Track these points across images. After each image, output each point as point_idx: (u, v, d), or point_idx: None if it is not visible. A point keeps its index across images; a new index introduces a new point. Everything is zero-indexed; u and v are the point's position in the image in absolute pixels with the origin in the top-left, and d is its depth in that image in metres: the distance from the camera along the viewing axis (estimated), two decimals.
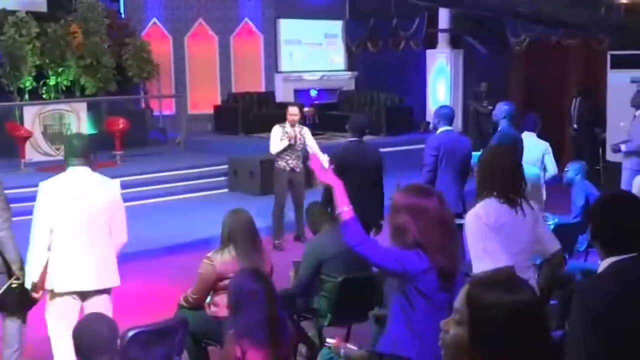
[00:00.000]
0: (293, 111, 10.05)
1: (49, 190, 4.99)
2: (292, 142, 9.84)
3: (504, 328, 2.01)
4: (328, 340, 4.36)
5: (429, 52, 18.11)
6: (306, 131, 10.13)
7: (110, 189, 5.21)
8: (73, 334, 3.51)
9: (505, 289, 2.05)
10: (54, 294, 5.06)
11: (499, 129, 8.00)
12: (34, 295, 5.10)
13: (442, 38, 17.89)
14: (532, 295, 2.08)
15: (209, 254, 5.31)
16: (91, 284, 5.09)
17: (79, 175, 5.09)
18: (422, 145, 8.09)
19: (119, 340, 3.66)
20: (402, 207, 3.54)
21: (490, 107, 13.60)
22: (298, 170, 10.01)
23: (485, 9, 12.03)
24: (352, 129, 7.81)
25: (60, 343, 5.05)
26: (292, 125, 9.92)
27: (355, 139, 7.76)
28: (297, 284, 5.91)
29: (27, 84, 15.38)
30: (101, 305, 5.05)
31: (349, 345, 4.21)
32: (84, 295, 5.09)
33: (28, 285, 5.05)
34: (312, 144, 10.04)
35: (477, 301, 2.03)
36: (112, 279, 5.22)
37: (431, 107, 16.63)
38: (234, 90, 19.05)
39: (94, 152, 5.38)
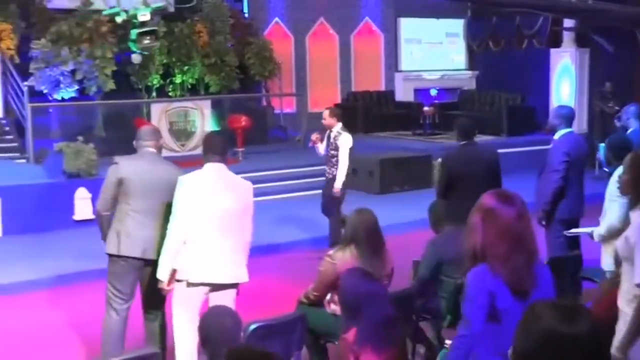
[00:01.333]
0: (323, 114, 9.56)
1: (188, 184, 5.13)
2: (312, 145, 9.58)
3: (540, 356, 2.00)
4: (447, 341, 4.31)
5: (553, 51, 17.65)
6: (341, 140, 9.27)
7: (244, 188, 5.33)
8: (200, 325, 3.60)
9: (561, 318, 2.03)
10: (184, 285, 5.16)
11: (629, 130, 7.73)
12: (164, 286, 5.21)
13: (567, 36, 17.41)
14: (587, 329, 2.03)
15: (331, 252, 5.34)
16: (223, 277, 5.20)
17: (216, 171, 5.22)
18: (545, 147, 7.88)
19: (242, 333, 3.73)
20: (480, 208, 3.46)
21: (617, 108, 13.15)
22: (329, 177, 9.54)
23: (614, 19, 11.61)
24: (459, 133, 7.65)
25: (183, 333, 5.18)
26: (328, 130, 9.48)
27: (465, 142, 7.58)
28: (416, 283, 5.88)
29: (155, 81, 15.91)
30: (226, 299, 5.16)
31: None
32: (212, 288, 5.20)
33: (161, 276, 5.17)
34: (341, 156, 9.25)
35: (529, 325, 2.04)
36: (242, 275, 5.32)
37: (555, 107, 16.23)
38: (353, 89, 19.12)
39: (228, 150, 5.52)
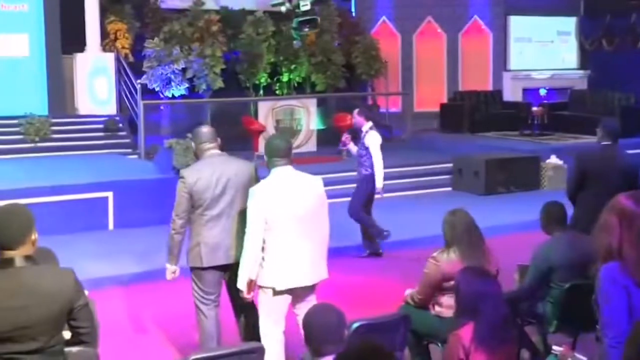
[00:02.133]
0: (353, 114, 9.69)
1: (259, 194, 5.09)
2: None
3: None
4: (554, 347, 4.21)
5: None
6: (369, 139, 9.29)
7: (315, 185, 5.29)
8: (305, 322, 3.61)
9: None
10: (270, 294, 5.18)
11: None
12: (245, 295, 5.24)
13: None
14: None
15: (435, 254, 5.29)
16: (307, 280, 5.22)
17: (285, 175, 5.20)
18: None
19: (345, 331, 3.73)
20: (617, 208, 3.40)
21: None
22: (359, 177, 9.53)
23: None
24: (607, 133, 7.24)
25: (271, 337, 5.21)
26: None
27: (608, 143, 7.22)
28: (523, 287, 5.75)
29: (262, 80, 16.14)
30: (309, 297, 5.19)
31: (577, 355, 4.05)
32: (294, 291, 5.22)
33: (241, 286, 5.17)
34: (374, 154, 9.25)
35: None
36: (323, 273, 5.34)
37: None
38: (460, 89, 18.89)
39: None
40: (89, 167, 12.21)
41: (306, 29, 11.90)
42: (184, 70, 14.90)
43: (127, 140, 14.51)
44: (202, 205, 5.43)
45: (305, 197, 5.17)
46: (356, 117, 9.56)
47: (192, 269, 5.60)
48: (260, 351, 4.16)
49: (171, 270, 5.66)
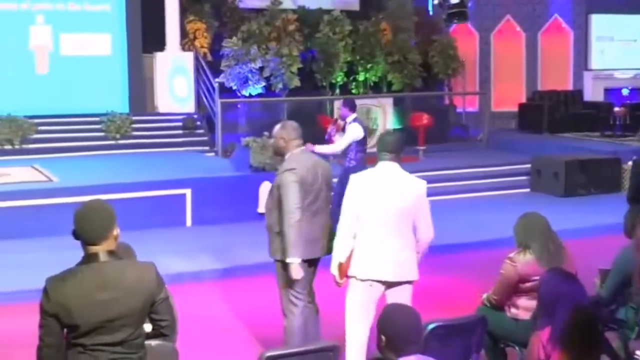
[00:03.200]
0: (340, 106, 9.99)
1: (359, 182, 5.19)
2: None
3: None
4: (637, 353, 4.11)
5: None
6: (349, 128, 9.62)
7: (417, 186, 5.28)
8: (381, 322, 3.60)
9: None
10: (354, 281, 5.22)
11: None
12: (338, 281, 5.30)
13: None
14: None
15: (511, 255, 5.22)
16: (390, 274, 5.20)
17: (388, 170, 5.22)
18: None
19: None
20: None
21: None
22: (342, 169, 9.70)
23: None
24: None
25: (353, 327, 5.23)
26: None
27: None
28: (604, 292, 5.63)
29: (339, 79, 16.16)
30: (403, 296, 5.15)
31: None
32: (387, 285, 5.21)
33: (332, 270, 5.25)
34: (343, 138, 9.61)
35: None
36: (411, 273, 5.30)
37: None
38: (539, 88, 18.58)
39: (404, 149, 5.47)
40: (168, 165, 12.42)
41: (455, 21, 11.84)
42: (261, 69, 15.02)
43: (205, 138, 14.72)
44: (305, 198, 5.47)
45: (403, 195, 5.17)
46: (341, 109, 9.82)
47: (281, 263, 5.57)
48: (336, 350, 4.16)
49: (297, 263, 5.44)
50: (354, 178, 5.24)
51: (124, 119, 14.50)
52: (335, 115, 14.35)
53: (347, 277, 5.29)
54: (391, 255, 5.17)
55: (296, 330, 5.60)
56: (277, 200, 5.51)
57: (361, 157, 9.57)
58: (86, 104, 14.68)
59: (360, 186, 5.16)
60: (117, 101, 15.13)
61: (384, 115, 15.40)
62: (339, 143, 9.56)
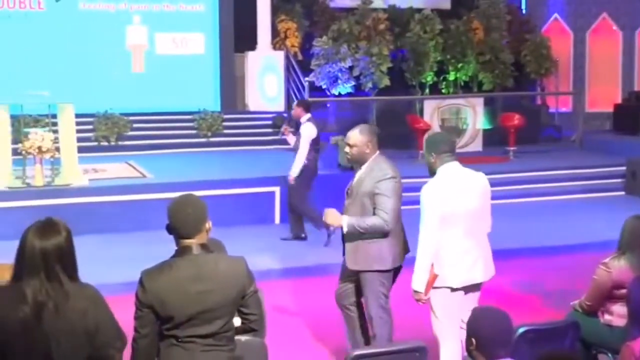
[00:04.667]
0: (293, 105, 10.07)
1: (435, 190, 5.03)
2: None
3: None
4: None
5: None
6: (303, 129, 9.73)
7: (481, 180, 5.19)
8: (472, 324, 3.55)
9: None
10: (446, 292, 5.10)
11: None
12: (421, 297, 5.16)
13: None
14: None
15: (606, 260, 5.08)
16: (480, 276, 5.14)
17: (453, 172, 5.12)
18: None
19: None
20: None
21: None
22: None
23: None
24: None
25: (448, 338, 5.14)
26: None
27: None
28: None
29: (428, 78, 16.06)
30: (475, 297, 5.11)
31: None
32: (466, 289, 5.14)
33: (417, 287, 5.07)
34: (301, 144, 9.70)
35: None
36: (493, 269, 5.25)
37: None
38: (636, 88, 18.05)
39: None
40: (258, 162, 12.58)
41: None
42: (350, 68, 15.05)
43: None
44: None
45: (474, 192, 5.10)
46: (295, 109, 9.85)
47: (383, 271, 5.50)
48: (423, 351, 4.15)
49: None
50: (429, 189, 5.12)
51: (215, 117, 14.75)
52: (434, 118, 14.33)
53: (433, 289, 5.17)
54: (478, 255, 5.11)
55: (387, 332, 5.58)
56: (368, 208, 5.35)
57: (314, 156, 9.74)
58: (179, 102, 15.00)
59: (439, 195, 5.02)
60: (209, 99, 15.42)
61: (474, 115, 15.22)
62: (302, 148, 9.62)
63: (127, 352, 3.53)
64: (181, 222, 3.50)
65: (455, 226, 5.02)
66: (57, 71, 14.24)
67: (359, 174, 5.45)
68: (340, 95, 15.19)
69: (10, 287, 3.24)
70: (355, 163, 5.49)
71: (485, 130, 15.26)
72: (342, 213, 5.44)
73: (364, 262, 5.44)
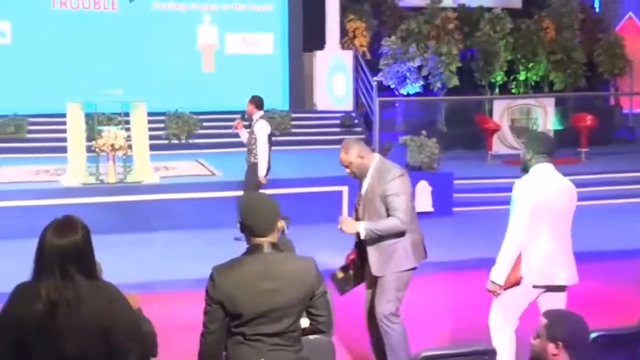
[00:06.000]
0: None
1: (527, 189, 5.01)
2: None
3: None
4: None
5: None
6: (257, 127, 9.64)
7: (570, 186, 5.14)
8: (555, 328, 3.49)
9: None
10: (524, 288, 5.06)
11: None
12: (496, 289, 5.10)
13: None
14: None
15: None
16: (561, 279, 5.08)
17: (547, 173, 5.07)
18: None
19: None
20: None
21: None
22: (248, 163, 9.76)
23: None
24: None
25: (501, 332, 5.11)
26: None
27: None
28: None
29: (498, 78, 15.87)
30: (559, 302, 5.02)
31: None
32: (544, 290, 5.08)
33: (497, 279, 5.07)
34: (259, 144, 9.60)
35: None
36: (575, 277, 5.17)
37: None
38: None
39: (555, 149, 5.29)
40: (325, 161, 12.59)
41: None
42: (419, 67, 14.98)
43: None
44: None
45: (564, 196, 5.07)
46: (248, 105, 9.82)
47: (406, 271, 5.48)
48: (492, 354, 4.11)
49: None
50: (521, 187, 5.06)
51: (283, 116, 14.84)
52: (504, 118, 14.19)
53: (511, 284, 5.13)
54: (559, 259, 5.06)
55: (400, 339, 5.52)
56: (382, 213, 5.29)
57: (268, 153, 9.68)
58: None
59: (530, 194, 5.00)
60: (277, 99, 15.51)
61: (545, 116, 15.01)
62: (262, 147, 9.57)
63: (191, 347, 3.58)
64: (253, 221, 3.53)
65: (543, 225, 5.01)
66: (129, 70, 14.53)
67: (367, 183, 5.40)
68: (408, 95, 15.12)
69: (27, 286, 3.26)
70: (361, 176, 5.42)
71: (556, 131, 15.00)
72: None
73: (395, 265, 5.36)
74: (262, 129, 9.58)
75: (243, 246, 3.66)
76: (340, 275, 5.60)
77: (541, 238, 5.02)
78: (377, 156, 5.46)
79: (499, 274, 5.07)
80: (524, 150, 5.18)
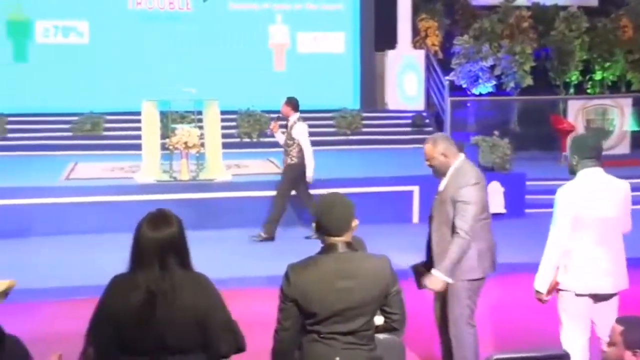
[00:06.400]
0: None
1: (569, 194, 4.91)
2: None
3: None
4: None
5: None
6: (296, 130, 9.63)
7: (622, 189, 4.99)
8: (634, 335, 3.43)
9: None
10: (570, 296, 4.97)
11: None
12: (542, 297, 5.05)
13: None
14: None
15: None
16: (609, 286, 4.95)
17: (593, 178, 4.93)
18: None
19: None
20: None
21: None
22: (284, 165, 9.83)
23: None
24: None
25: (574, 344, 4.99)
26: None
27: None
28: None
29: (573, 78, 15.61)
30: (611, 308, 4.92)
31: None
32: (596, 297, 4.97)
33: (540, 287, 4.97)
34: (304, 145, 9.64)
35: None
36: (624, 282, 5.04)
37: None
38: None
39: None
40: (396, 161, 12.58)
41: None
42: (492, 67, 14.83)
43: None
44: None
45: (612, 200, 4.93)
46: (283, 107, 9.75)
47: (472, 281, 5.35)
48: (567, 358, 4.03)
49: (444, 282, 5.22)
50: (559, 192, 4.96)
51: (354, 115, 14.85)
52: (578, 119, 13.93)
53: (557, 291, 5.04)
54: (606, 266, 4.93)
55: (468, 346, 5.42)
56: (451, 216, 5.20)
57: (302, 155, 9.61)
58: (319, 100, 15.17)
59: (572, 199, 4.89)
60: (348, 98, 15.54)
61: (622, 117, 14.67)
62: (307, 148, 9.60)
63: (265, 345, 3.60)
64: (329, 220, 3.54)
65: (587, 231, 4.88)
66: (202, 69, 14.72)
67: (445, 182, 5.32)
68: (480, 94, 14.98)
69: (126, 277, 3.35)
70: (440, 174, 5.35)
71: (633, 132, 14.69)
72: (429, 223, 5.45)
73: (464, 272, 5.25)
74: (302, 132, 9.61)
75: (314, 245, 3.67)
76: (420, 269, 5.58)
77: (584, 245, 4.88)
78: (461, 157, 5.34)
79: (540, 282, 4.98)
80: (570, 155, 5.05)
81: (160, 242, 3.31)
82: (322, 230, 3.57)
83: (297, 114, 9.79)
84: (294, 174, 9.65)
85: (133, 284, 3.29)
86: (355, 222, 3.61)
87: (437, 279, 5.20)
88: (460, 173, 5.25)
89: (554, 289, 5.02)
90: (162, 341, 3.27)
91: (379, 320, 3.68)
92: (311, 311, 3.48)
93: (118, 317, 3.29)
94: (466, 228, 5.10)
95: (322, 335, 3.50)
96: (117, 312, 3.29)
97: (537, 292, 5.02)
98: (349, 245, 3.57)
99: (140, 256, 3.32)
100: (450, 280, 5.17)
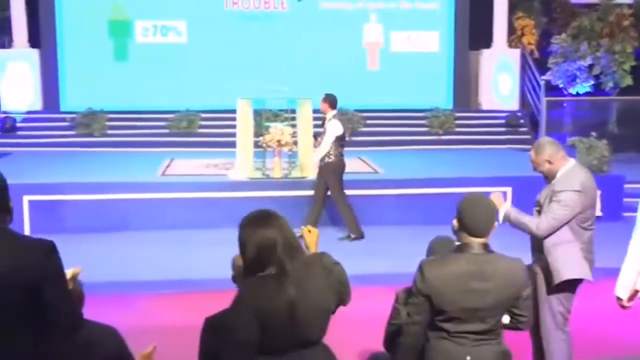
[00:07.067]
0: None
1: None
2: None
3: None
4: None
5: None
6: (329, 126, 9.52)
7: None
8: None
9: None
10: None
11: None
12: (624, 304, 4.89)
13: None
14: None
15: None
16: None
17: None
18: None
19: None
20: None
21: None
22: (321, 164, 9.58)
23: None
24: None
25: None
26: None
27: None
28: None
29: None
30: None
31: None
32: None
33: (622, 293, 4.80)
34: (324, 139, 9.52)
35: None
36: None
37: None
38: None
39: None
40: (489, 162, 12.42)
41: None
42: (590, 66, 14.48)
43: (528, 137, 14.49)
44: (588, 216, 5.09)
45: None
46: (321, 103, 9.64)
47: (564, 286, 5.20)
48: None
49: None
50: None
51: (447, 115, 14.74)
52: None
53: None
54: None
55: (560, 352, 5.30)
56: None
57: (340, 152, 9.48)
58: (412, 99, 15.14)
59: None
60: (441, 97, 15.43)
61: None
62: (324, 142, 9.43)
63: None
64: (472, 220, 3.58)
65: None
66: (296, 68, 14.87)
67: (548, 186, 5.16)
68: (578, 94, 14.64)
69: (262, 279, 3.19)
70: (549, 181, 5.18)
71: None
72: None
73: (556, 276, 5.07)
74: (333, 127, 9.55)
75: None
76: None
77: None
78: (571, 162, 5.16)
79: (619, 287, 4.83)
80: None
81: (272, 242, 3.17)
82: (463, 230, 3.61)
83: (335, 111, 9.77)
84: (337, 170, 9.58)
85: (272, 285, 3.15)
86: (495, 224, 3.63)
87: (501, 201, 5.09)
88: (565, 177, 5.07)
89: (635, 295, 4.88)
90: (306, 336, 3.17)
91: (505, 319, 3.69)
92: (442, 309, 3.52)
93: (261, 318, 3.13)
94: (544, 226, 4.97)
95: (451, 334, 3.55)
96: (260, 314, 3.14)
97: (618, 298, 4.88)
98: (485, 246, 3.60)
99: (263, 257, 3.18)
100: (501, 214, 5.01)
